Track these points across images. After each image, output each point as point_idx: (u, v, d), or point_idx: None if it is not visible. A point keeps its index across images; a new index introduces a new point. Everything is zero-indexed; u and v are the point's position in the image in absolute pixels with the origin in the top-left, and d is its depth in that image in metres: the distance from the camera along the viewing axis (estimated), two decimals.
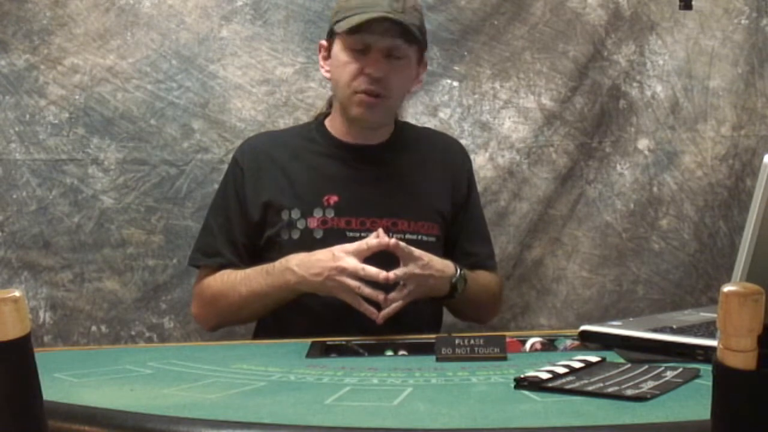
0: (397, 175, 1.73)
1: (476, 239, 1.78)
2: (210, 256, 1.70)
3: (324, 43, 1.73)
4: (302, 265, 1.55)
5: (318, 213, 1.66)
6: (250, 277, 1.62)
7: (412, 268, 1.52)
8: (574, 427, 0.88)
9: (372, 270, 1.48)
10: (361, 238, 1.63)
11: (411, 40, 1.64)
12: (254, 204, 1.68)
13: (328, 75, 1.71)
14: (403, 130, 1.79)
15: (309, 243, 1.61)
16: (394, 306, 1.52)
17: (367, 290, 1.49)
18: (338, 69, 1.66)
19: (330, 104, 1.79)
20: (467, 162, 1.83)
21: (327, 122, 1.76)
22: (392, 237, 1.53)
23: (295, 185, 1.68)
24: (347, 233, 1.65)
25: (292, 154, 1.73)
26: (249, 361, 1.30)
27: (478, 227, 1.82)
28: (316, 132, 1.77)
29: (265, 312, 1.67)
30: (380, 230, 1.54)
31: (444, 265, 1.59)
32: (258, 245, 1.69)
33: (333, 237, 1.62)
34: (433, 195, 1.74)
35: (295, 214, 1.66)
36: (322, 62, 1.73)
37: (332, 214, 1.66)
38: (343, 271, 1.49)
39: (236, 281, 1.63)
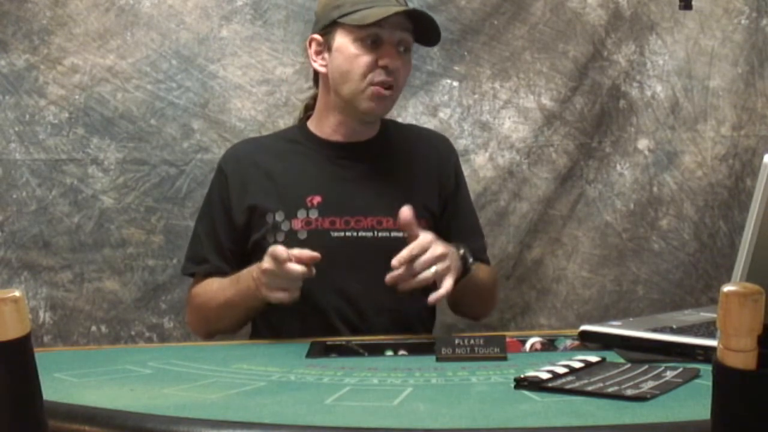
0: (382, 172, 1.71)
1: (468, 234, 1.76)
2: (198, 263, 1.70)
3: (317, 37, 1.69)
4: (257, 271, 1.51)
5: (302, 214, 1.64)
6: (224, 285, 1.61)
7: (435, 249, 1.44)
8: (574, 427, 0.88)
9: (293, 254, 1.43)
10: (345, 237, 1.63)
11: (414, 33, 1.64)
12: (239, 209, 1.68)
13: (323, 69, 1.68)
14: (387, 127, 1.78)
15: (293, 245, 1.59)
16: (446, 288, 1.45)
17: (291, 269, 1.42)
18: (347, 62, 1.63)
19: (308, 108, 1.78)
20: (453, 156, 1.81)
21: (309, 123, 1.76)
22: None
23: (278, 188, 1.67)
24: (331, 233, 1.63)
25: (275, 157, 1.72)
26: (249, 361, 1.30)
27: (470, 222, 1.80)
28: (299, 133, 1.76)
29: (244, 319, 1.66)
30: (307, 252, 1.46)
31: (445, 243, 1.52)
32: (246, 250, 1.68)
33: (317, 238, 1.61)
34: (418, 191, 1.71)
35: (280, 216, 1.65)
36: (314, 57, 1.69)
37: (316, 215, 1.64)
38: (264, 272, 1.46)
39: (214, 290, 1.63)
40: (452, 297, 1.65)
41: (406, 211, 1.47)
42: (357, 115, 1.67)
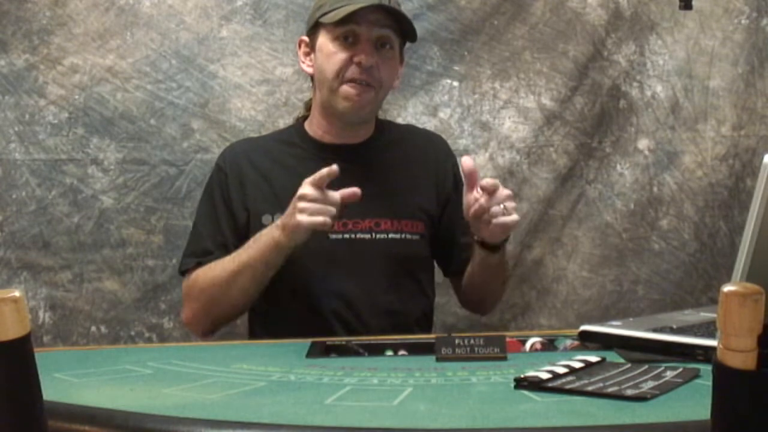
0: (379, 174, 1.71)
1: (468, 235, 1.76)
2: (201, 255, 1.67)
3: (305, 38, 1.71)
4: (283, 216, 1.54)
5: None
6: (238, 253, 1.60)
7: (504, 189, 1.52)
8: (574, 427, 0.88)
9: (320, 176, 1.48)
10: (343, 239, 1.63)
11: (399, 31, 1.64)
12: (239, 207, 1.67)
13: (310, 70, 1.70)
14: (384, 128, 1.78)
15: None
16: (514, 219, 1.53)
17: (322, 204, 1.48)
18: (325, 60, 1.63)
19: (308, 107, 1.78)
20: (451, 157, 1.82)
21: (306, 124, 1.75)
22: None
23: (275, 190, 1.67)
24: (329, 235, 1.63)
25: (272, 159, 1.72)
26: (249, 361, 1.30)
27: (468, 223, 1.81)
28: (295, 135, 1.76)
29: (254, 287, 1.60)
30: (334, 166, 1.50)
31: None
32: None
33: (315, 239, 1.59)
34: (416, 192, 1.72)
35: (278, 219, 1.65)
36: (303, 58, 1.71)
37: None
38: (301, 198, 1.48)
39: (225, 261, 1.61)
40: (478, 274, 1.69)
41: (469, 161, 1.51)
42: (338, 115, 1.67)
